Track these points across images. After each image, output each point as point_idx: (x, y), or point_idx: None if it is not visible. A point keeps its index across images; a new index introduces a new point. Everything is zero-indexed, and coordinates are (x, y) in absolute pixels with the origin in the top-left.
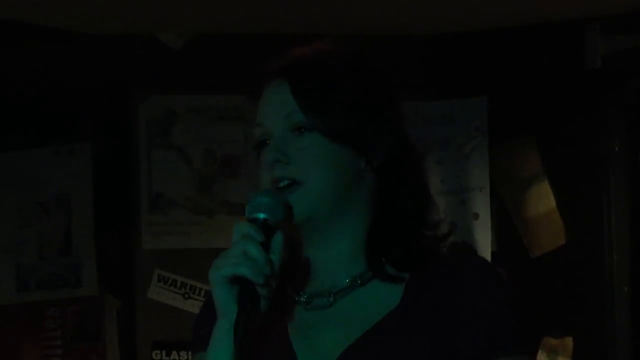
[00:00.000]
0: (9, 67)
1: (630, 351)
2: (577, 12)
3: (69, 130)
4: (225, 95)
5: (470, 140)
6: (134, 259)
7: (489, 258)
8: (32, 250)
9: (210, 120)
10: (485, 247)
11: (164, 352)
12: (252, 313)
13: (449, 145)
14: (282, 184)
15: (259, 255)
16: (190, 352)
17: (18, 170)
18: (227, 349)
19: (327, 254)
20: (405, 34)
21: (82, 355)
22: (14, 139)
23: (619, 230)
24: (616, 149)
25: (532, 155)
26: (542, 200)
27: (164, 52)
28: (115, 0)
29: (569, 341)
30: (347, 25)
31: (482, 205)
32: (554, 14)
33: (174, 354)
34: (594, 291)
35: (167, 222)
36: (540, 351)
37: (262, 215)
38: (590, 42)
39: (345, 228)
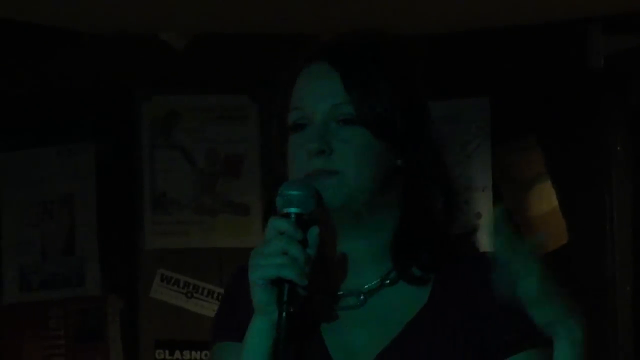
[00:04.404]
0: (11, 67)
1: (632, 351)
2: (580, 12)
3: (72, 130)
4: (228, 94)
5: (472, 140)
6: (137, 258)
7: None
8: (35, 250)
9: (213, 120)
10: (487, 246)
11: (167, 352)
12: (294, 313)
13: (451, 145)
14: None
15: (301, 256)
16: (211, 341)
17: (21, 170)
18: (263, 346)
19: (355, 250)
20: (407, 34)
21: (85, 355)
22: (17, 139)
23: (621, 229)
24: (618, 148)
25: (535, 155)
26: (545, 199)
27: (166, 52)
28: (118, 0)
29: None
30: (348, 25)
31: (484, 205)
32: (556, 14)
33: (177, 353)
34: (596, 291)
35: (170, 221)
36: None
37: (295, 210)
38: (592, 41)
39: (375, 224)
